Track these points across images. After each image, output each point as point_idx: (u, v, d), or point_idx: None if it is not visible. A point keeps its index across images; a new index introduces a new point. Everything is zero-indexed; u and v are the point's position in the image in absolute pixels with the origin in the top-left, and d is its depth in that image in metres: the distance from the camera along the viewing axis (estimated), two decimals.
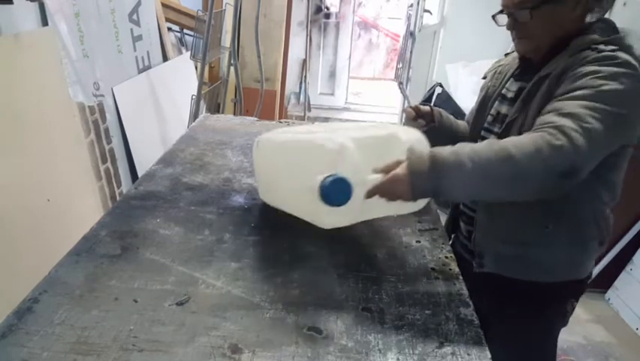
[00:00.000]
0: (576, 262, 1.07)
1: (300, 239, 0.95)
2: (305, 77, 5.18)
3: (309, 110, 5.20)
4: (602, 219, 1.03)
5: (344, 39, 5.44)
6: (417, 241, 1.04)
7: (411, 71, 4.35)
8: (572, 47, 0.96)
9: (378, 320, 0.79)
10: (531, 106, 0.98)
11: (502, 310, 1.11)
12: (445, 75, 3.84)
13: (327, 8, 5.34)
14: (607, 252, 2.36)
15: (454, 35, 4.01)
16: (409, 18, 4.81)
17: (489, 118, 1.13)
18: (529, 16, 0.96)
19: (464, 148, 0.83)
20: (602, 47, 0.91)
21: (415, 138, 0.91)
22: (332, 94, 5.64)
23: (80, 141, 1.97)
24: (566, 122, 0.83)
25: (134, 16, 2.55)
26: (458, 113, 3.37)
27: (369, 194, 0.86)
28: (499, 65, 1.18)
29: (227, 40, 3.39)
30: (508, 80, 1.12)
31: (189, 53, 3.05)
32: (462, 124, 1.29)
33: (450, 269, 0.95)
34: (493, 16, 1.04)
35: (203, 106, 2.99)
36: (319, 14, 5.28)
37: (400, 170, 0.83)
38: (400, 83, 3.38)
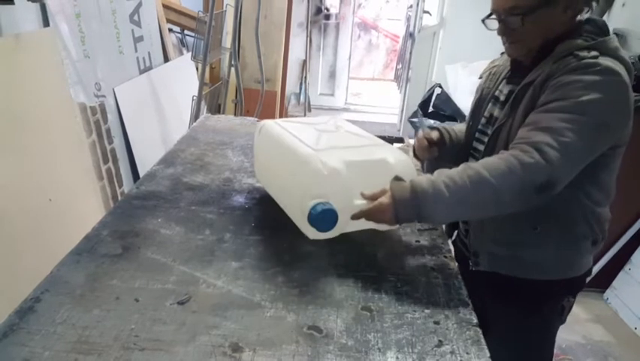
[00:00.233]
0: (569, 261, 1.08)
1: (300, 239, 0.95)
2: (305, 77, 5.18)
3: (309, 110, 5.21)
4: (593, 219, 1.03)
5: (344, 40, 5.45)
6: (416, 241, 1.05)
7: (410, 71, 4.36)
8: (557, 52, 0.96)
9: (377, 319, 0.79)
10: (518, 111, 0.98)
11: (499, 308, 1.12)
12: (445, 76, 3.85)
13: (327, 9, 5.35)
14: (605, 252, 2.36)
15: (453, 36, 4.02)
16: (408, 19, 4.82)
17: (482, 120, 1.13)
18: (521, 23, 0.95)
19: (441, 176, 0.88)
20: (584, 53, 0.91)
21: (402, 162, 0.96)
22: (332, 94, 5.65)
23: (81, 141, 1.97)
24: (542, 138, 0.86)
25: (135, 17, 2.55)
26: (457, 113, 3.38)
27: (355, 217, 0.93)
28: (494, 66, 1.18)
29: (227, 41, 3.40)
30: (501, 81, 1.12)
31: (190, 53, 3.06)
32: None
33: (449, 269, 0.95)
34: (483, 21, 1.03)
35: (204, 106, 2.99)
36: (319, 15, 5.29)
37: (385, 199, 0.89)
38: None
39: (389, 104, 5.62)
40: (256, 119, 1.87)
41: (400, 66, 5.32)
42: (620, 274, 2.38)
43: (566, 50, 0.94)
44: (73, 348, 0.69)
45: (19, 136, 1.61)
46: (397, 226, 1.01)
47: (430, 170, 0.98)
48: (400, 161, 0.96)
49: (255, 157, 1.21)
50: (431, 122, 3.28)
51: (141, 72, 2.62)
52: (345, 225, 0.92)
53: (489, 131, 1.09)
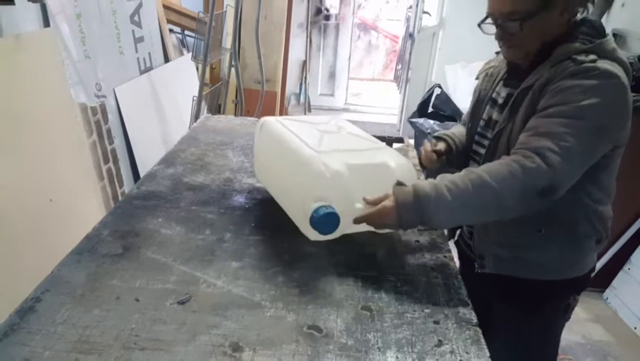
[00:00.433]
0: (573, 261, 1.08)
1: (300, 239, 0.95)
2: (305, 78, 5.19)
3: (309, 110, 5.21)
4: (595, 218, 1.03)
5: (344, 40, 5.46)
6: (416, 241, 1.05)
7: (410, 72, 4.37)
8: (555, 56, 0.96)
9: (377, 318, 0.80)
10: (517, 117, 0.99)
11: (505, 308, 1.13)
12: (444, 76, 3.85)
13: (327, 10, 5.36)
14: (605, 251, 2.37)
15: (452, 36, 4.02)
16: (408, 20, 4.83)
17: (481, 123, 1.13)
18: (520, 28, 0.94)
19: (443, 180, 0.89)
20: (582, 57, 0.91)
21: (403, 166, 0.96)
22: (332, 95, 5.65)
23: (82, 141, 1.98)
24: (543, 143, 0.86)
25: (136, 18, 2.56)
26: (457, 113, 3.38)
27: (358, 221, 0.93)
28: (490, 67, 1.17)
29: (228, 41, 3.40)
30: (498, 83, 1.11)
31: (190, 54, 3.06)
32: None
33: (449, 269, 0.95)
34: (479, 25, 1.02)
35: (204, 107, 3.00)
36: (319, 16, 5.30)
37: (388, 202, 0.89)
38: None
39: (389, 105, 5.63)
40: (256, 119, 1.87)
41: (400, 66, 5.33)
42: (620, 274, 2.38)
43: (564, 54, 0.94)
44: (74, 348, 0.70)
45: (20, 136, 1.61)
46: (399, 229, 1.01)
47: (432, 175, 0.99)
48: (400, 164, 0.96)
49: (255, 155, 1.22)
50: (431, 122, 3.28)
51: (142, 72, 2.62)
52: (346, 227, 0.92)
53: (489, 135, 1.09)
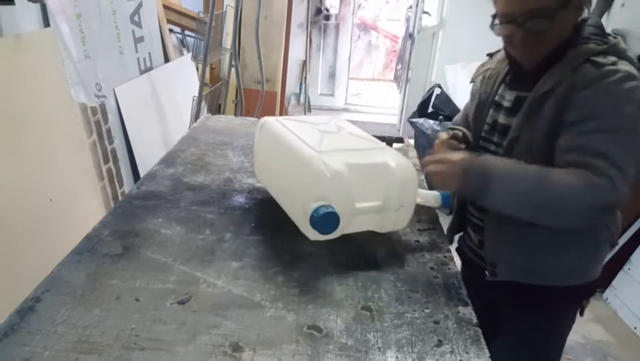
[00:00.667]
0: (589, 266, 1.07)
1: (300, 239, 0.95)
2: (305, 78, 5.19)
3: (309, 110, 5.21)
4: (612, 222, 1.03)
5: (344, 40, 5.46)
6: (416, 241, 1.05)
7: (410, 72, 4.37)
8: (569, 59, 0.93)
9: (377, 318, 0.80)
10: (537, 124, 0.96)
11: (512, 312, 1.12)
12: (444, 76, 3.85)
13: (327, 10, 5.36)
14: None
15: (452, 36, 4.02)
16: (408, 20, 4.83)
17: (485, 127, 1.11)
18: (542, 27, 0.90)
19: (516, 164, 0.91)
20: (601, 59, 0.90)
21: (403, 165, 0.97)
22: (332, 95, 5.66)
23: (82, 141, 1.98)
24: (601, 163, 0.86)
25: (136, 18, 2.56)
26: (457, 113, 3.38)
27: (426, 162, 0.99)
28: (487, 69, 1.14)
29: (228, 41, 3.40)
30: (499, 85, 1.09)
31: (190, 54, 3.06)
32: None
33: (449, 268, 0.95)
34: (492, 26, 0.98)
35: (204, 107, 3.00)
36: (319, 16, 5.30)
37: (458, 157, 0.94)
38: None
39: (389, 105, 5.63)
40: (256, 119, 1.87)
41: (400, 66, 5.33)
42: (620, 274, 2.38)
43: (581, 56, 0.92)
44: (74, 348, 0.69)
45: (20, 136, 1.61)
46: (400, 226, 1.01)
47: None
48: (400, 164, 0.96)
49: (255, 155, 1.22)
50: (431, 122, 3.28)
51: (142, 72, 2.62)
52: (347, 226, 0.92)
53: (495, 139, 1.07)
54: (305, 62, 5.16)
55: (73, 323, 0.74)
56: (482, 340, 0.76)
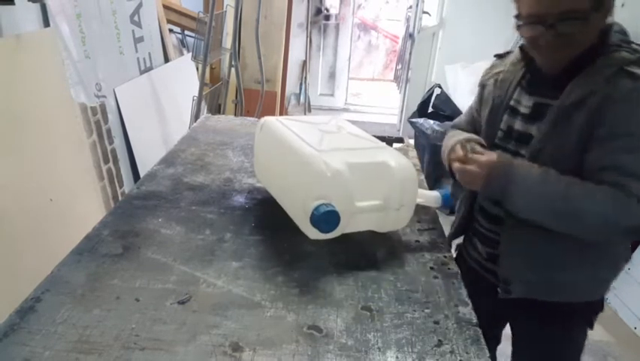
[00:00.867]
0: (606, 281, 1.06)
1: (300, 239, 0.95)
2: (305, 78, 5.19)
3: (309, 110, 5.21)
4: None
5: (344, 40, 5.46)
6: (416, 241, 1.05)
7: (410, 72, 4.37)
8: (600, 66, 0.88)
9: (377, 318, 0.80)
10: (564, 136, 0.91)
11: (530, 331, 1.10)
12: (444, 76, 3.85)
13: (327, 10, 5.36)
14: None
15: (452, 36, 4.02)
16: (408, 20, 4.83)
17: (499, 133, 1.06)
18: (575, 29, 0.85)
19: (544, 169, 0.89)
20: (635, 69, 0.85)
21: (403, 165, 0.97)
22: (332, 95, 5.66)
23: (82, 141, 1.98)
24: (635, 185, 0.84)
25: (136, 18, 2.56)
26: (457, 113, 3.37)
27: (452, 161, 1.01)
28: (499, 72, 1.09)
29: (228, 41, 3.40)
30: (515, 89, 1.03)
31: (190, 54, 3.06)
32: None
33: (449, 268, 0.95)
34: (519, 27, 0.91)
35: (204, 107, 3.00)
36: (319, 16, 5.30)
37: (486, 158, 0.94)
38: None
39: (389, 105, 5.64)
40: (256, 119, 1.87)
41: (400, 67, 5.33)
42: (620, 274, 2.38)
43: (614, 65, 0.87)
44: (74, 348, 0.69)
45: (20, 136, 1.61)
46: (399, 226, 1.01)
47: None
48: (400, 164, 0.96)
49: (255, 154, 1.22)
50: (431, 122, 3.28)
51: (142, 72, 2.62)
52: (347, 226, 0.92)
53: (511, 146, 1.03)
54: (305, 62, 5.16)
55: (73, 323, 0.74)
56: (482, 340, 0.76)
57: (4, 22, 1.61)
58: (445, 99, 3.52)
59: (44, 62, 1.78)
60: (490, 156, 0.96)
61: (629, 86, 0.85)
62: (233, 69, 3.26)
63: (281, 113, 4.39)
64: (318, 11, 5.26)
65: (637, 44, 0.93)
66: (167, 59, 2.98)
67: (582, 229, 0.89)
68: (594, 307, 1.10)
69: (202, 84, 2.81)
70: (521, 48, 1.03)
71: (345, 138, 1.07)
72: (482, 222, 1.14)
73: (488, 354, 0.73)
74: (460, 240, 1.27)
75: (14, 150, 1.57)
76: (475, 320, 0.81)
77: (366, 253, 0.99)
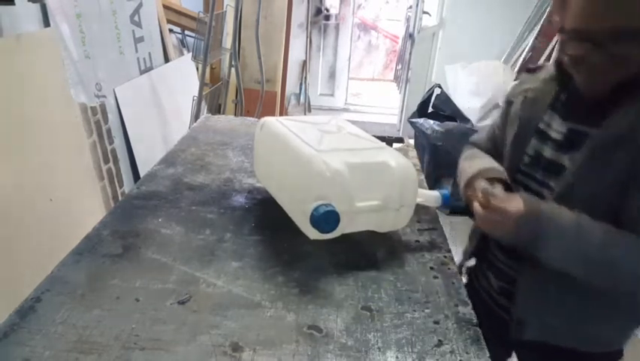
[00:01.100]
0: (629, 333, 0.98)
1: (300, 239, 0.95)
2: (305, 78, 5.20)
3: (309, 110, 5.22)
4: None
5: (344, 40, 5.47)
6: (416, 241, 1.05)
7: (410, 72, 4.37)
8: None
9: (377, 318, 0.80)
10: (603, 172, 0.81)
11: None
12: (444, 76, 3.85)
13: (327, 10, 5.37)
14: None
15: (452, 37, 4.02)
16: (408, 20, 4.84)
17: (525, 158, 0.96)
18: (631, 50, 0.74)
19: (579, 217, 0.80)
20: None
21: (403, 165, 0.96)
22: (332, 95, 5.66)
23: (82, 141, 1.98)
24: None
25: (136, 18, 2.56)
26: (457, 113, 3.38)
27: (477, 207, 0.88)
28: (527, 89, 0.98)
29: (228, 41, 3.40)
30: (546, 111, 0.93)
31: (191, 54, 3.07)
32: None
33: (449, 268, 0.95)
34: (564, 42, 0.82)
35: (204, 107, 3.00)
36: (319, 16, 5.30)
37: (514, 206, 0.83)
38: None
39: (389, 105, 5.64)
40: (256, 119, 1.87)
41: (400, 67, 5.34)
42: None
43: None
44: (74, 348, 0.69)
45: (20, 136, 1.61)
46: (400, 226, 1.01)
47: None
48: (400, 164, 0.96)
49: (255, 154, 1.22)
50: (431, 122, 3.28)
51: (142, 72, 2.62)
52: (346, 226, 0.93)
53: (538, 176, 0.93)
54: (305, 62, 5.16)
55: (73, 323, 0.74)
56: (482, 340, 0.76)
57: (4, 22, 1.61)
58: (445, 99, 3.51)
59: (44, 62, 1.78)
60: (517, 204, 0.83)
61: None
62: (233, 69, 3.26)
63: (281, 113, 4.39)
64: (318, 11, 5.26)
65: None
66: (167, 59, 2.98)
67: (615, 281, 0.82)
68: (613, 356, 1.00)
69: (202, 84, 2.81)
70: (558, 64, 0.91)
71: (345, 138, 1.07)
72: (498, 255, 1.05)
73: (488, 354, 0.73)
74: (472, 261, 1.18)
75: (14, 150, 1.57)
76: (475, 320, 0.81)
77: (366, 253, 0.99)
